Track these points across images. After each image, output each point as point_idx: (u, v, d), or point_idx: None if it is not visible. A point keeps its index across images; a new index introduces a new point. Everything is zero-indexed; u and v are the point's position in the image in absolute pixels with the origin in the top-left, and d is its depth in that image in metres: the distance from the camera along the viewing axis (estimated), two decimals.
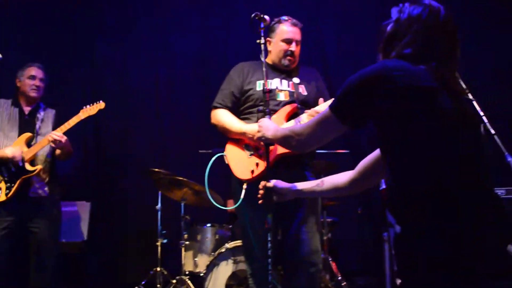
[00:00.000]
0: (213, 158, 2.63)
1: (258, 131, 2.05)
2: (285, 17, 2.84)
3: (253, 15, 2.49)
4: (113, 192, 4.99)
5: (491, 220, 1.28)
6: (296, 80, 2.79)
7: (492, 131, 2.00)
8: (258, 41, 2.47)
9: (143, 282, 4.05)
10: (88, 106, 3.43)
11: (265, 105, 2.32)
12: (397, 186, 1.39)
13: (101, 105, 3.43)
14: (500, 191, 4.42)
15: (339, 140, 4.79)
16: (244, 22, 2.61)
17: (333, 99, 1.53)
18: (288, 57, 2.79)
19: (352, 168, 1.79)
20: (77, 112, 3.42)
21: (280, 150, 2.52)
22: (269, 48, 2.86)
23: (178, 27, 5.28)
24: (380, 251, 3.08)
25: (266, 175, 2.14)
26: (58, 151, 3.44)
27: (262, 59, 2.43)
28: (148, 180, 4.08)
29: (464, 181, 1.31)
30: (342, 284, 3.99)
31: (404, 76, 1.34)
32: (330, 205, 4.23)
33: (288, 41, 2.79)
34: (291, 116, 2.66)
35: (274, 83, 2.76)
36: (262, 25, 2.49)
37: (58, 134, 3.30)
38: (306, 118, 2.52)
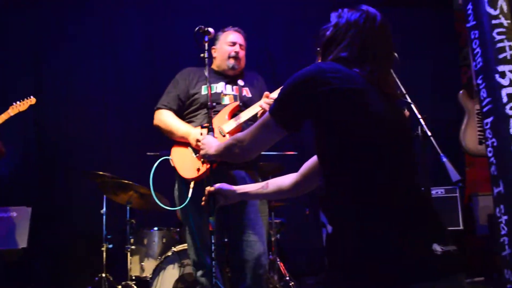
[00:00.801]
0: (158, 161, 2.59)
1: (202, 149, 2.01)
2: (228, 27, 2.91)
3: (196, 28, 2.47)
4: (56, 196, 4.80)
5: (419, 221, 1.32)
6: (240, 82, 2.84)
7: (429, 133, 2.08)
8: (202, 55, 2.46)
9: None
10: (18, 102, 3.30)
11: (209, 122, 2.29)
12: (328, 187, 1.42)
13: (31, 100, 3.31)
14: (439, 190, 4.65)
15: (287, 142, 4.86)
16: (192, 26, 2.56)
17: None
18: (233, 59, 2.83)
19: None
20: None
21: None
22: (214, 55, 2.90)
23: (126, 28, 5.19)
24: None
25: (209, 180, 2.13)
26: None
27: (206, 73, 2.40)
28: (92, 183, 3.97)
29: (393, 182, 1.35)
30: (291, 284, 4.02)
31: (338, 78, 1.37)
32: (278, 206, 4.26)
33: (232, 44, 2.85)
34: (234, 114, 2.69)
35: (219, 87, 2.80)
36: (206, 38, 2.48)
37: None
38: (245, 115, 2.61)
